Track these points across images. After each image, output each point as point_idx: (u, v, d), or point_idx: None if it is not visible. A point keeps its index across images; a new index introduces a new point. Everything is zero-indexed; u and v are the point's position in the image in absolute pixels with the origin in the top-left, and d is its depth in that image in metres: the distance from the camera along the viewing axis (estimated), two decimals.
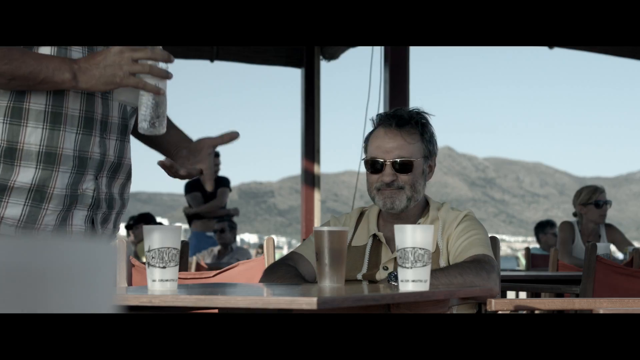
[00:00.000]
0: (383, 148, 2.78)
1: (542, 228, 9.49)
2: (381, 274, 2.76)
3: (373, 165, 2.79)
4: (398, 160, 2.75)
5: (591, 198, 6.57)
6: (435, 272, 2.47)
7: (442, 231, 2.77)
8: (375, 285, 2.64)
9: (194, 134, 2.63)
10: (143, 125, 2.14)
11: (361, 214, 2.92)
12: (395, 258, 2.72)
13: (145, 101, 2.13)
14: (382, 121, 2.83)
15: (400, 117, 2.80)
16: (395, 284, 2.46)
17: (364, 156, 2.85)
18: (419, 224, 2.78)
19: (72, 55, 2.14)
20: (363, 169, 2.87)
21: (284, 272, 2.74)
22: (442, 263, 2.72)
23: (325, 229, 2.40)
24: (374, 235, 2.83)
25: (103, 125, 2.21)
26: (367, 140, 2.86)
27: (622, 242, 6.57)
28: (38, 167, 2.12)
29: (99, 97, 2.20)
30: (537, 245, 9.50)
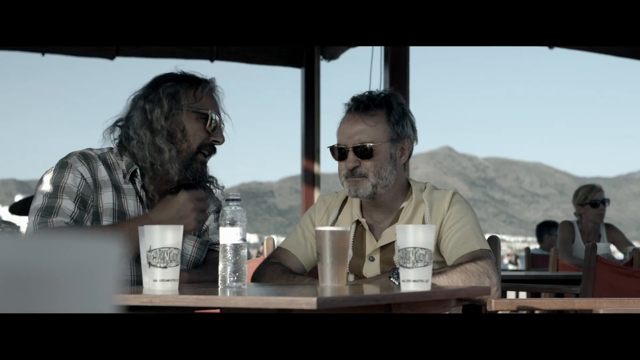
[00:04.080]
0: (345, 134, 2.69)
1: (548, 229, 9.06)
2: (368, 267, 2.72)
3: (337, 152, 2.71)
4: (359, 145, 2.66)
5: (587, 198, 6.57)
6: (439, 282, 2.45)
7: (430, 213, 2.68)
8: (375, 285, 2.63)
9: None
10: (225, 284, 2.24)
11: (347, 198, 2.83)
12: (380, 248, 2.69)
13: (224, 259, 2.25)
14: (347, 106, 2.74)
15: (361, 101, 2.70)
16: (397, 282, 2.44)
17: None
18: (402, 208, 2.73)
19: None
20: None
21: (272, 272, 2.69)
22: None
23: (327, 229, 2.39)
24: (357, 222, 2.77)
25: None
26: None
27: (622, 242, 6.57)
28: None
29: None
30: (537, 246, 9.31)
